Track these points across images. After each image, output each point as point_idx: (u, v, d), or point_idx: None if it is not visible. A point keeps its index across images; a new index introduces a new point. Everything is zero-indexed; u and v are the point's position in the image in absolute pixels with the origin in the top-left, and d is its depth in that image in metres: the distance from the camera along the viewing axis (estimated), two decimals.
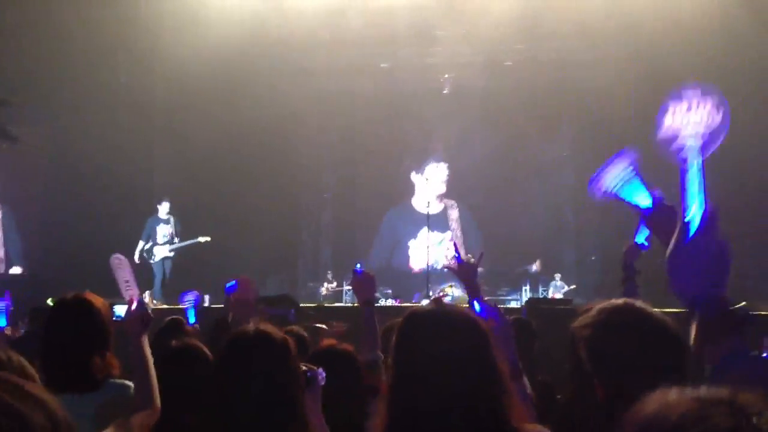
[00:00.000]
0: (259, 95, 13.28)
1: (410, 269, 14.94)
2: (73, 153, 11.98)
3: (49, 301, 7.81)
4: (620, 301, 1.87)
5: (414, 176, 15.38)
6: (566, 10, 12.33)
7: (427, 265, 12.26)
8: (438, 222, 14.56)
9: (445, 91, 14.73)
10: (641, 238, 2.99)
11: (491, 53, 13.56)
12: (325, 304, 10.26)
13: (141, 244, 12.00)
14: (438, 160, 15.40)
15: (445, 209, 15.30)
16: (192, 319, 4.20)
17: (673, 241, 1.71)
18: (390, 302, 11.97)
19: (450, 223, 15.14)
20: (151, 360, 2.50)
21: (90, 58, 11.65)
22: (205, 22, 11.95)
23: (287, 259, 14.49)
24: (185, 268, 11.94)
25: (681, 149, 1.21)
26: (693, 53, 11.20)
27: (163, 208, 12.26)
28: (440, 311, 1.80)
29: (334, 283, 13.31)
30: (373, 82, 14.39)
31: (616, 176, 2.07)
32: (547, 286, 12.86)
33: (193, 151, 12.83)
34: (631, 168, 2.08)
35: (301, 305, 7.44)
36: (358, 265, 3.19)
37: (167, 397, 2.48)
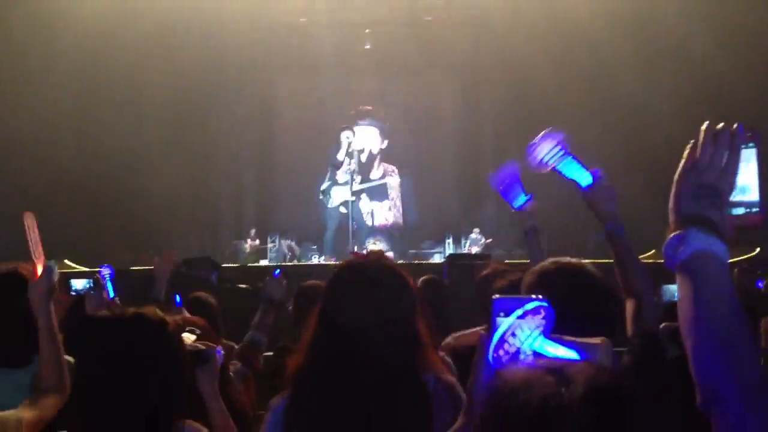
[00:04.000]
0: (171, 52, 12.83)
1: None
2: None
3: None
4: (564, 258, 1.94)
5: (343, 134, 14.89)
6: None
7: (351, 220, 11.91)
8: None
9: (366, 47, 14.60)
10: (519, 202, 2.96)
11: (410, 9, 13.51)
12: (248, 264, 10.18)
13: (326, 183, 10.21)
14: (369, 123, 15.10)
15: (384, 175, 15.00)
16: (112, 294, 4.08)
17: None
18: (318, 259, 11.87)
19: (389, 191, 14.87)
20: (59, 337, 2.24)
21: None
22: None
23: (209, 217, 14.25)
24: (100, 227, 11.60)
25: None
26: (605, 17, 11.51)
27: (346, 136, 10.21)
28: (373, 264, 1.81)
29: (257, 241, 13.17)
30: (292, 36, 14.11)
31: (549, 151, 2.11)
32: (466, 239, 13.09)
33: (107, 113, 12.35)
34: (561, 149, 2.12)
35: (223, 266, 7.38)
36: (277, 271, 3.23)
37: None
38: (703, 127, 1.19)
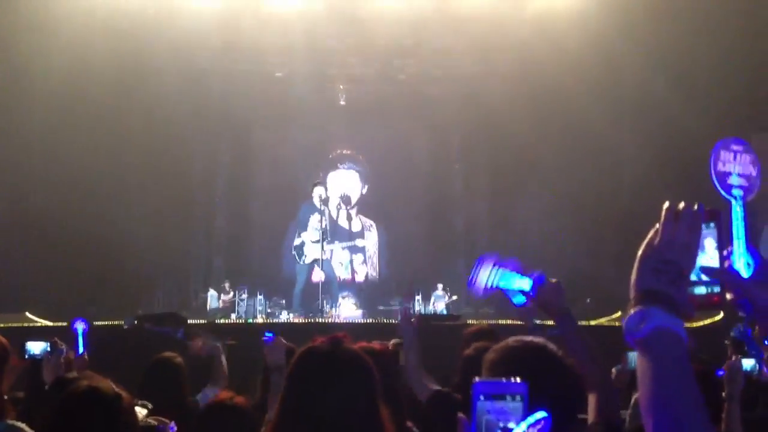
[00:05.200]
0: (148, 98, 12.85)
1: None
2: None
3: None
4: (537, 339, 1.94)
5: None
6: (455, 26, 12.74)
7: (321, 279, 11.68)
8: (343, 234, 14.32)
9: (342, 102, 14.79)
10: (519, 299, 2.36)
11: (385, 66, 13.79)
12: (216, 321, 9.99)
13: (299, 239, 10.26)
14: (349, 168, 15.20)
15: (362, 230, 14.99)
16: (81, 349, 4.02)
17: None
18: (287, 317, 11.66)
19: (366, 247, 14.76)
20: None
21: None
22: (96, 23, 11.53)
23: (177, 269, 14.06)
24: (64, 278, 11.38)
25: (730, 188, 1.30)
26: (574, 72, 11.86)
27: (317, 193, 9.97)
28: (337, 352, 1.79)
29: (231, 293, 12.96)
30: (268, 90, 14.26)
31: (488, 275, 2.14)
32: (430, 296, 12.77)
33: (78, 157, 12.25)
34: (497, 266, 2.16)
35: (189, 322, 7.27)
36: (269, 335, 3.09)
37: None
38: (665, 205, 1.22)
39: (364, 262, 15.02)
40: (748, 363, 3.70)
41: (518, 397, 1.13)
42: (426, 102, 14.33)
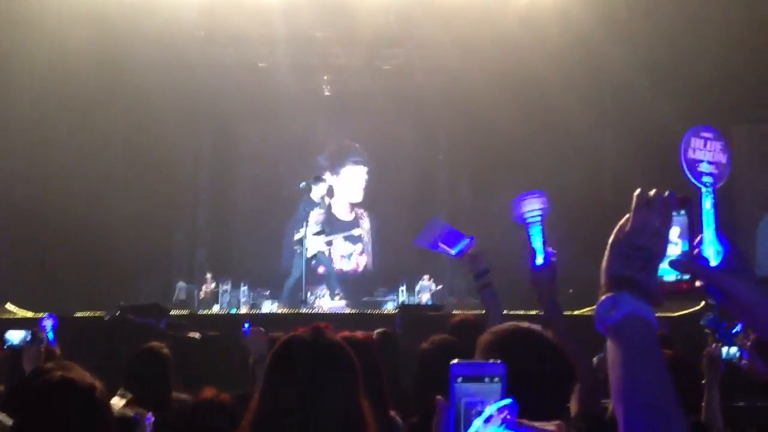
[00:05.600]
0: (130, 89, 12.75)
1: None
2: None
3: None
4: (523, 323, 1.94)
5: (329, 177, 14.00)
6: (440, 17, 12.72)
7: (304, 268, 11.63)
8: (339, 225, 14.16)
9: (326, 93, 14.74)
10: (459, 247, 2.87)
11: (370, 57, 13.74)
12: (198, 312, 9.92)
13: (299, 233, 10.37)
14: (359, 162, 15.20)
15: (356, 219, 15.06)
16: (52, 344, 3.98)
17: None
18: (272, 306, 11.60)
19: (362, 235, 14.82)
20: None
21: None
22: (75, 14, 11.39)
23: (160, 261, 13.97)
24: (46, 268, 11.28)
25: (700, 176, 1.30)
26: (557, 65, 11.91)
27: (318, 190, 10.36)
28: (318, 341, 1.76)
29: (213, 285, 12.92)
30: (251, 80, 14.17)
31: (532, 210, 2.20)
32: (417, 286, 12.80)
33: (60, 149, 12.13)
34: (541, 212, 2.22)
35: (172, 313, 7.23)
36: (246, 325, 3.18)
37: None
38: (636, 192, 1.23)
39: (363, 251, 15.06)
40: (729, 350, 3.72)
41: (496, 379, 1.11)
42: (411, 93, 14.30)
